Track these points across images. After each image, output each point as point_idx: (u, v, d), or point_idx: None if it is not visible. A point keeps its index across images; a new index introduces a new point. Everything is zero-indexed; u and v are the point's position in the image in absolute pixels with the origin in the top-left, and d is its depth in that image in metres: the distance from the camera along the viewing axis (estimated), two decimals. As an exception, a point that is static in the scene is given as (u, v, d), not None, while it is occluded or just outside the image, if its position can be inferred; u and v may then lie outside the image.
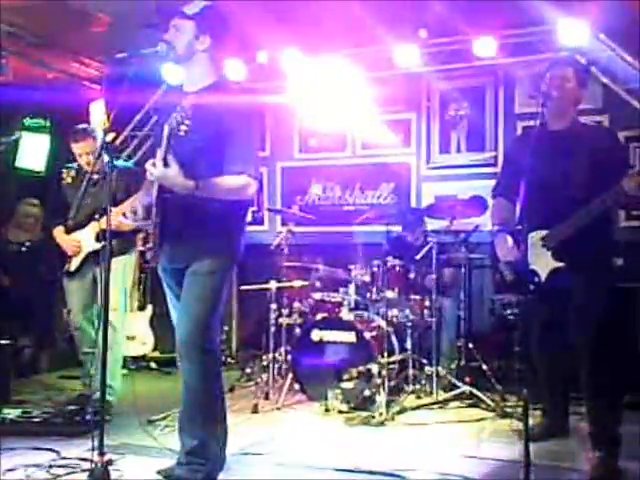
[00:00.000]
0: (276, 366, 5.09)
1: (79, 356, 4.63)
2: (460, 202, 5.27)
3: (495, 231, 3.67)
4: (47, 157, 5.77)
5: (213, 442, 3.01)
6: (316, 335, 4.74)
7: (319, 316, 4.91)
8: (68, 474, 3.18)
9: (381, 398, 4.32)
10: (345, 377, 4.45)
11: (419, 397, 4.76)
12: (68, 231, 4.55)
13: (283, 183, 7.08)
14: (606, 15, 5.05)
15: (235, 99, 3.00)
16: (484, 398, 4.56)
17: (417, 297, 5.03)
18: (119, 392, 4.45)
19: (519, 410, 4.06)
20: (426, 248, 5.10)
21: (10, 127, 5.61)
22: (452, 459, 3.51)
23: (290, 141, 7.02)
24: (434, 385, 4.77)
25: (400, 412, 4.41)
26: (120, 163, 4.60)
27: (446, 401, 4.70)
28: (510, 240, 3.54)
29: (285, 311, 5.26)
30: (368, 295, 5.04)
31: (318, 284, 5.30)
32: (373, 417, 4.23)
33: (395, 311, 4.96)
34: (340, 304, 5.01)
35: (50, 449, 3.51)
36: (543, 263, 3.36)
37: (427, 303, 4.99)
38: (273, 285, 5.20)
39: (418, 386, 4.83)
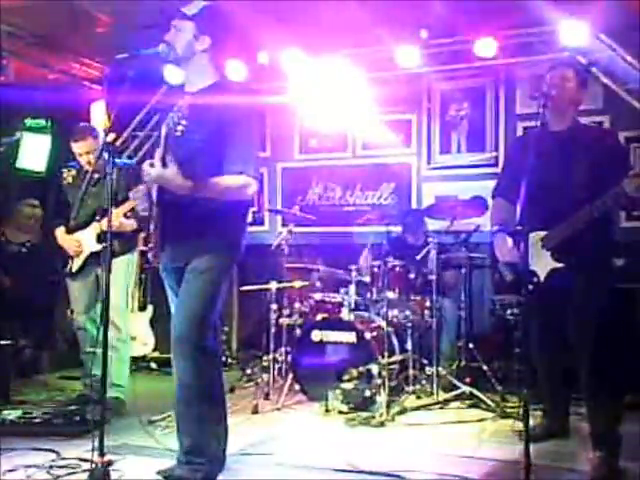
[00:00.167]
0: (276, 366, 5.10)
1: (80, 356, 4.64)
2: (461, 202, 5.27)
3: (494, 231, 3.67)
4: (48, 158, 5.77)
5: (213, 442, 3.01)
6: (316, 335, 4.74)
7: (319, 316, 4.91)
8: (68, 475, 3.17)
9: (381, 398, 4.32)
10: (345, 377, 4.45)
11: (419, 397, 4.75)
12: (69, 231, 4.55)
13: (283, 183, 7.08)
14: (606, 15, 5.05)
15: (235, 99, 3.00)
16: (484, 399, 4.56)
17: (417, 297, 5.03)
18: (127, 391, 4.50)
19: (519, 411, 4.04)
20: (426, 249, 5.10)
21: (11, 128, 5.60)
22: (452, 460, 3.51)
23: (291, 141, 7.02)
24: (434, 385, 4.77)
25: (400, 412, 4.41)
26: (122, 161, 4.59)
27: (446, 401, 4.69)
28: (509, 241, 3.53)
29: (285, 311, 5.27)
30: (368, 295, 5.04)
31: (318, 284, 5.30)
32: (373, 417, 4.23)
33: (395, 311, 4.96)
34: (340, 304, 5.01)
35: (50, 449, 3.50)
36: (542, 264, 3.36)
37: (427, 304, 4.99)
38: (273, 285, 5.21)
39: (418, 386, 4.83)
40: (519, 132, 6.08)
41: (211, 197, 2.93)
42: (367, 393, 4.43)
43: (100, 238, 4.36)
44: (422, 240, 5.46)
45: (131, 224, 4.39)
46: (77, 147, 4.52)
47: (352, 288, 5.01)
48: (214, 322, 3.05)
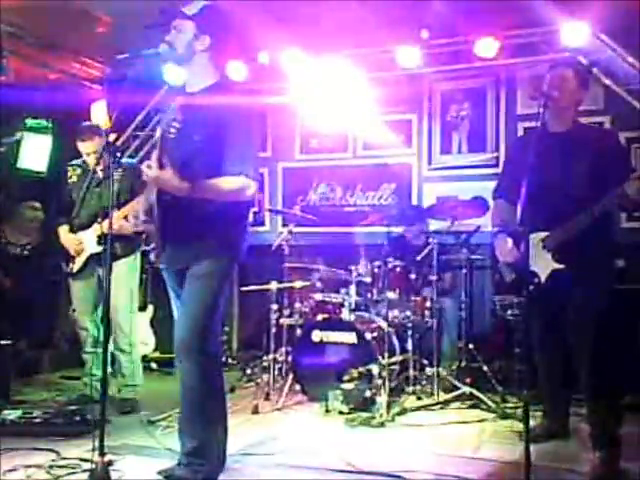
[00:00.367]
0: (277, 367, 5.09)
1: (82, 355, 4.64)
2: (461, 203, 5.27)
3: (495, 232, 3.67)
4: (49, 158, 5.77)
5: (213, 443, 3.02)
6: (317, 336, 4.74)
7: (320, 317, 4.92)
8: (68, 474, 3.17)
9: (382, 399, 4.32)
10: (346, 378, 4.45)
11: (420, 398, 4.75)
12: (72, 230, 4.54)
13: (284, 184, 7.07)
14: (607, 16, 5.05)
15: (235, 99, 3.00)
16: (485, 399, 4.56)
17: (418, 298, 5.03)
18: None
19: (520, 411, 4.07)
20: (427, 249, 5.10)
21: (12, 128, 5.61)
22: (452, 460, 3.51)
23: (291, 142, 7.02)
24: (435, 386, 4.77)
25: (400, 413, 4.41)
26: (127, 161, 4.58)
27: (447, 402, 4.69)
28: (510, 241, 3.53)
29: (286, 312, 5.27)
30: (369, 296, 5.04)
31: (319, 285, 5.30)
32: (373, 418, 4.23)
33: (396, 312, 4.96)
34: (341, 305, 5.01)
35: (50, 449, 3.51)
36: (543, 265, 3.36)
37: (428, 304, 4.99)
38: (274, 286, 5.21)
39: (419, 387, 4.83)
40: (520, 132, 6.08)
41: (210, 198, 2.93)
42: (367, 393, 4.43)
43: (101, 240, 4.34)
44: (422, 240, 5.46)
45: (131, 226, 4.36)
46: (84, 147, 4.50)
47: (352, 288, 5.01)
48: (217, 325, 3.06)
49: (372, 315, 4.98)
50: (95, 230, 4.40)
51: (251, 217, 3.29)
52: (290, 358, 4.91)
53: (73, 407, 4.21)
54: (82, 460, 3.27)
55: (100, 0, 5.22)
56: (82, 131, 4.54)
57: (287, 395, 4.70)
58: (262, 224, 6.99)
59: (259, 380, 5.15)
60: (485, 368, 4.90)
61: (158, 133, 2.84)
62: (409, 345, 4.90)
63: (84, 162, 4.60)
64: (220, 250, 3.01)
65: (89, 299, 4.54)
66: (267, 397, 4.79)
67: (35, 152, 5.72)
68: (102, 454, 2.79)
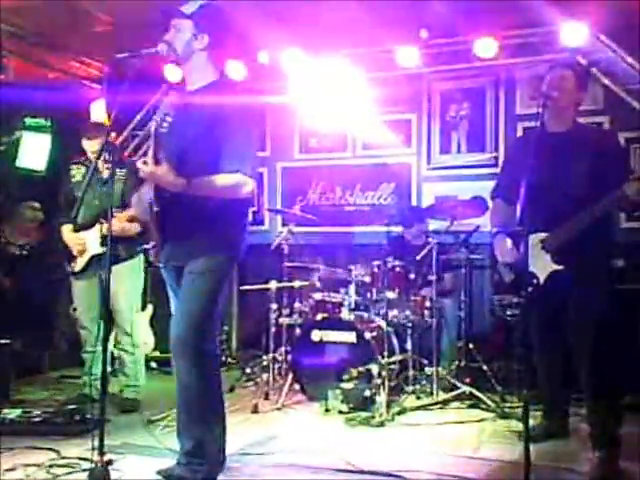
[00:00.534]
0: (276, 366, 5.10)
1: (82, 355, 4.64)
2: (461, 203, 5.26)
3: (494, 232, 3.67)
4: (48, 157, 5.76)
5: (212, 442, 3.01)
6: (316, 335, 4.74)
7: (319, 316, 4.91)
8: (68, 474, 3.18)
9: (381, 398, 4.32)
10: (345, 377, 4.45)
11: (419, 398, 4.75)
12: (75, 229, 4.53)
13: (283, 183, 7.07)
14: (606, 16, 5.05)
15: (233, 98, 3.00)
16: (484, 399, 4.56)
17: (417, 298, 5.03)
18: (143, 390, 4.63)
19: (519, 411, 4.06)
20: (427, 249, 5.10)
21: (11, 127, 5.61)
22: (452, 460, 3.51)
23: (291, 141, 7.02)
24: (434, 386, 4.77)
25: (400, 413, 4.41)
26: (131, 159, 4.57)
27: (446, 402, 4.69)
28: (509, 242, 3.54)
29: (285, 311, 5.27)
30: (368, 295, 5.04)
31: (318, 284, 5.30)
32: (373, 417, 4.23)
33: (395, 311, 4.96)
34: (340, 304, 5.01)
35: (50, 448, 3.51)
36: (542, 265, 3.36)
37: (427, 303, 4.99)
38: (273, 285, 5.21)
39: (418, 387, 4.83)
40: (519, 132, 6.08)
41: (207, 196, 2.92)
42: (367, 393, 4.43)
43: (103, 242, 4.32)
44: (422, 240, 5.46)
45: (134, 228, 4.35)
46: (89, 145, 4.47)
47: (352, 288, 5.01)
48: (214, 323, 3.05)
49: (371, 315, 4.98)
50: (98, 230, 4.38)
51: (250, 216, 3.29)
52: (290, 357, 4.91)
53: (73, 406, 4.21)
54: (82, 459, 3.27)
55: (100, 0, 5.21)
56: (88, 129, 4.53)
57: (287, 394, 4.70)
58: (261, 224, 6.99)
59: (259, 379, 5.15)
60: (484, 368, 4.90)
61: (152, 129, 2.85)
62: (408, 345, 4.90)
63: (89, 160, 4.57)
64: (217, 248, 3.00)
65: (90, 298, 4.53)
66: (267, 396, 4.79)
67: (34, 151, 5.72)
68: (102, 453, 2.79)
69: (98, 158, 3.94)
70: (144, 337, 5.89)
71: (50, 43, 5.92)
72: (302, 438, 3.95)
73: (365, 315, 4.96)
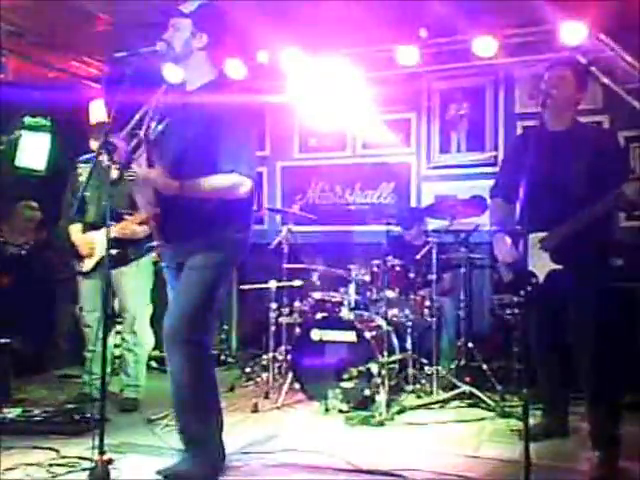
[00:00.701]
0: (276, 365, 5.10)
1: (85, 353, 4.64)
2: (460, 202, 5.26)
3: (493, 232, 3.67)
4: (47, 156, 5.76)
5: (210, 438, 3.02)
6: (316, 334, 4.73)
7: (319, 315, 4.91)
8: (68, 473, 3.17)
9: (381, 398, 4.32)
10: (345, 376, 4.45)
11: (419, 397, 4.76)
12: (84, 230, 4.52)
13: (283, 182, 7.07)
14: (606, 15, 5.04)
15: (231, 97, 2.99)
16: (484, 398, 4.56)
17: (417, 297, 5.03)
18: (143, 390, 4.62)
19: (519, 410, 4.07)
20: (426, 248, 5.10)
21: (10, 126, 5.61)
22: (452, 459, 3.51)
23: (290, 140, 7.02)
24: (434, 385, 4.77)
25: (400, 412, 4.41)
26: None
27: (446, 401, 4.69)
28: (508, 241, 3.54)
29: (285, 310, 5.27)
30: (368, 295, 5.04)
31: (318, 283, 5.30)
32: (373, 417, 4.23)
33: (395, 311, 4.96)
34: (340, 303, 5.01)
35: (50, 448, 3.50)
36: (541, 265, 3.36)
37: (427, 303, 4.99)
38: (273, 284, 5.21)
39: (418, 386, 4.83)
40: (519, 131, 6.07)
41: (202, 196, 2.92)
42: (367, 392, 4.42)
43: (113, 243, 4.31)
44: (422, 239, 5.46)
45: (144, 230, 4.34)
46: (96, 146, 4.47)
47: (352, 287, 5.01)
48: (208, 317, 3.04)
49: (371, 314, 4.98)
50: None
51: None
52: (289, 357, 4.91)
53: (73, 405, 4.21)
54: (82, 459, 3.26)
55: (100, 0, 5.21)
56: (94, 129, 4.52)
57: (286, 394, 4.70)
58: (261, 223, 6.98)
59: (258, 379, 5.15)
60: (484, 367, 4.90)
61: (143, 133, 2.85)
62: (408, 344, 4.90)
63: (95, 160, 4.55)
64: (217, 245, 3.00)
65: (95, 298, 4.52)
66: (266, 396, 4.79)
67: (34, 150, 5.72)
68: (102, 452, 2.78)
69: (98, 157, 3.92)
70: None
71: (50, 42, 5.91)
72: (302, 437, 3.94)
73: (365, 314, 4.96)
